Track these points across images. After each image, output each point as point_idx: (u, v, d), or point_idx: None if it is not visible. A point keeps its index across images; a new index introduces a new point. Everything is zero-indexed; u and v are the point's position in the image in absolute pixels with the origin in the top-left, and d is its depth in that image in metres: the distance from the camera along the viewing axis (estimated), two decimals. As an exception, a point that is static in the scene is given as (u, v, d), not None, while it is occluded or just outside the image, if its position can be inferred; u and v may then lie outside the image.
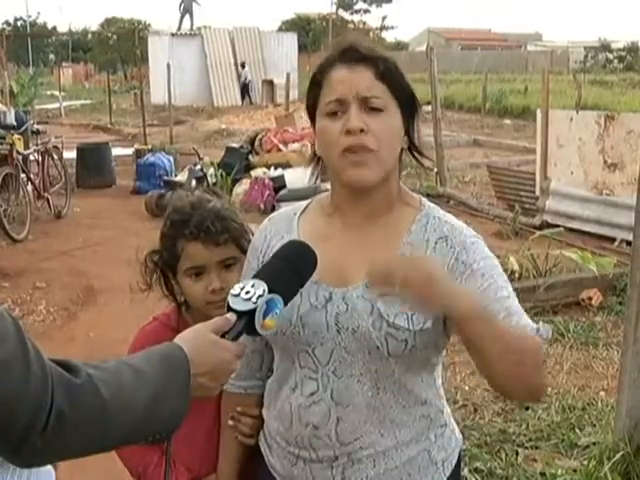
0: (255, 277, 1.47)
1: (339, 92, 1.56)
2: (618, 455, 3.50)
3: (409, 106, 1.62)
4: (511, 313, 1.52)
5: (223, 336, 1.41)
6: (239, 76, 29.58)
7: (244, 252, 1.89)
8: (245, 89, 29.67)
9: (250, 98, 29.55)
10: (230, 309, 1.43)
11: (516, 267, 6.37)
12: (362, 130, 1.54)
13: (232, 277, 1.88)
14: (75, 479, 3.27)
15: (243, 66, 29.54)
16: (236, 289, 1.44)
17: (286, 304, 1.47)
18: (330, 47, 1.65)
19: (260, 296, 1.42)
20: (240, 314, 1.42)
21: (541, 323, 1.54)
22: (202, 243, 1.88)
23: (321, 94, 1.60)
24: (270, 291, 1.43)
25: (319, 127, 1.61)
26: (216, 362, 1.38)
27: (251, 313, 1.41)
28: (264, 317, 1.42)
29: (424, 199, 1.71)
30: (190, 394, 1.33)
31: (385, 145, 1.56)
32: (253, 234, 1.88)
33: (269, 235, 1.75)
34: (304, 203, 1.79)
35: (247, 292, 1.43)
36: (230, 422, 1.83)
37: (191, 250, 1.89)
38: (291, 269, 1.50)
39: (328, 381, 1.62)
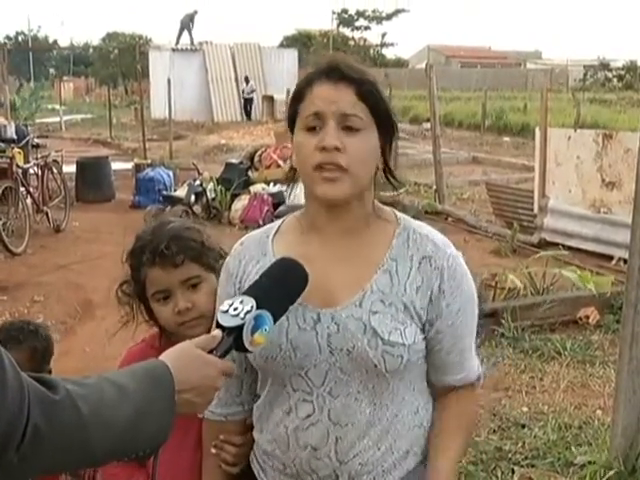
0: (244, 294, 1.47)
1: (319, 106, 1.56)
2: (613, 474, 3.50)
3: (387, 128, 1.63)
4: (465, 357, 1.71)
5: (211, 352, 1.40)
6: (243, 91, 29.19)
7: (210, 268, 1.90)
8: (248, 104, 29.28)
9: (249, 114, 29.19)
10: (219, 326, 1.43)
11: (519, 284, 6.35)
12: (337, 148, 1.54)
13: (198, 296, 1.88)
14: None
15: (247, 80, 29.15)
16: (225, 306, 1.44)
17: (276, 321, 1.46)
18: (315, 63, 1.66)
19: (248, 312, 1.41)
20: (228, 330, 1.42)
21: (482, 367, 1.77)
22: (160, 267, 1.87)
23: (301, 107, 1.60)
24: (259, 307, 1.42)
25: (296, 141, 1.61)
26: (201, 378, 1.37)
27: (239, 329, 1.41)
28: (252, 333, 1.41)
29: (398, 212, 1.72)
30: (175, 410, 1.32)
31: (358, 164, 1.57)
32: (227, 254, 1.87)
33: (244, 260, 1.73)
34: (275, 224, 1.78)
35: (235, 308, 1.42)
36: (213, 450, 1.80)
37: (152, 275, 1.89)
38: (280, 285, 1.50)
39: (324, 402, 1.62)
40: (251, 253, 1.72)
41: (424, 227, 1.70)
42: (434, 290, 1.61)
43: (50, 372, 2.50)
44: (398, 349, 1.57)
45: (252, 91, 29.20)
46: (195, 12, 34.25)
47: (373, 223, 1.67)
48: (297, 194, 9.23)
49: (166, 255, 1.86)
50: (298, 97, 1.61)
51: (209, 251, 1.93)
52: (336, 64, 1.59)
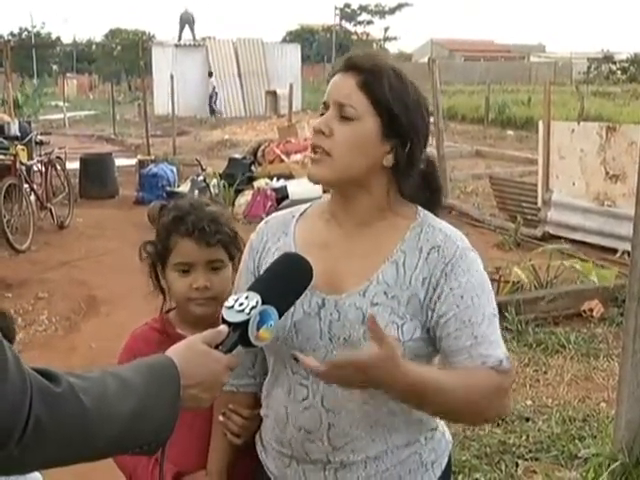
0: (249, 289, 1.48)
1: (326, 95, 1.65)
2: (617, 467, 3.51)
3: (394, 124, 1.61)
4: (478, 342, 1.57)
5: (217, 348, 1.41)
6: (213, 88, 28.15)
7: (231, 258, 1.98)
8: (211, 101, 28.30)
9: (215, 111, 28.10)
10: (224, 321, 1.44)
11: (523, 277, 6.37)
12: (322, 132, 1.60)
13: (217, 279, 1.96)
14: None
15: (210, 75, 28.28)
16: (230, 301, 1.45)
17: (281, 316, 1.47)
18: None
19: (253, 307, 1.42)
20: (234, 326, 1.43)
21: (505, 355, 1.59)
22: (195, 241, 1.94)
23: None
24: (264, 302, 1.43)
25: None
26: (207, 373, 1.38)
27: (244, 324, 1.42)
28: (258, 328, 1.42)
29: (420, 208, 1.72)
30: (180, 405, 1.33)
31: (343, 151, 1.60)
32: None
33: (265, 237, 1.79)
34: (303, 206, 1.82)
35: (241, 304, 1.43)
36: (220, 418, 1.86)
37: (183, 246, 1.95)
38: (286, 281, 1.52)
39: (318, 388, 1.64)
40: (273, 231, 1.79)
41: (442, 223, 1.70)
42: (437, 275, 1.60)
43: None
44: None
45: (213, 87, 28.21)
46: (188, 12, 33.88)
47: (390, 217, 1.68)
48: (295, 189, 9.19)
49: (205, 232, 1.94)
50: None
51: (236, 241, 2.02)
52: (351, 55, 1.66)
